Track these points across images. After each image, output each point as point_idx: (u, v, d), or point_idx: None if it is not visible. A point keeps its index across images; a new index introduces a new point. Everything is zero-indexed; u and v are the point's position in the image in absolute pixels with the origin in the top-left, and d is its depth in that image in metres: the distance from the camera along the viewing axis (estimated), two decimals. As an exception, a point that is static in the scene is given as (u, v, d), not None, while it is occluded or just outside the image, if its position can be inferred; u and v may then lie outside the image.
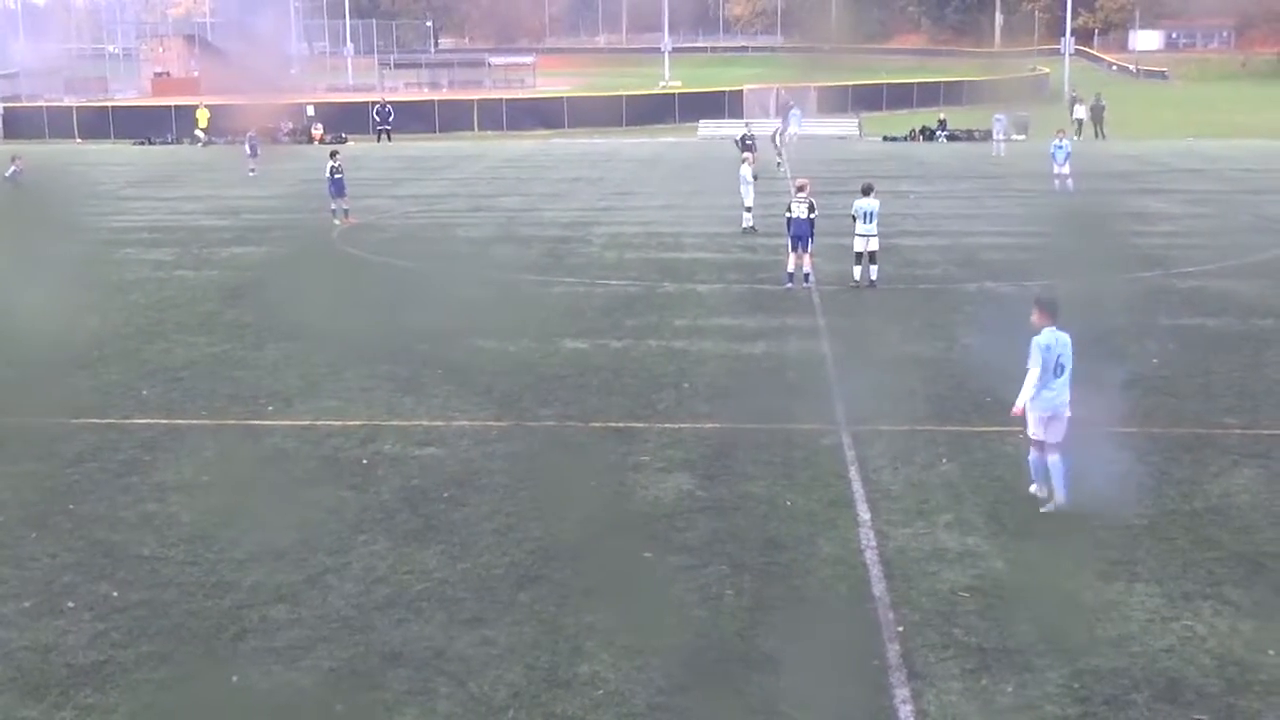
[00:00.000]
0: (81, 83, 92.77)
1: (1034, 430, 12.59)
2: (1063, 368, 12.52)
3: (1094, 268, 26.42)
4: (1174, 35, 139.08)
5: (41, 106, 79.63)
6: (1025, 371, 12.51)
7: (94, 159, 62.01)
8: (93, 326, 21.79)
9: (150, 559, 11.66)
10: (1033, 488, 12.87)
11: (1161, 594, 10.75)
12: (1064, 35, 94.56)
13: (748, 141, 43.95)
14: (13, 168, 41.44)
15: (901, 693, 9.15)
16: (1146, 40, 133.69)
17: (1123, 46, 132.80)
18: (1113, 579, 11.04)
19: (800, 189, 24.93)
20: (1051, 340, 12.47)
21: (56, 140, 71.82)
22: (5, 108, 76.81)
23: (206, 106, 68.77)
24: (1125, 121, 71.43)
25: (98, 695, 9.19)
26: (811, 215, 24.35)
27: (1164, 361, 18.82)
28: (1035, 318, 12.63)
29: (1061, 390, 12.49)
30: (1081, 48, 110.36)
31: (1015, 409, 12.67)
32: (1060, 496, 12.51)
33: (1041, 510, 12.59)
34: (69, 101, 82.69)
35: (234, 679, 9.48)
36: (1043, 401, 12.47)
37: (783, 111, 69.32)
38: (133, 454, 14.81)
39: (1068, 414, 12.54)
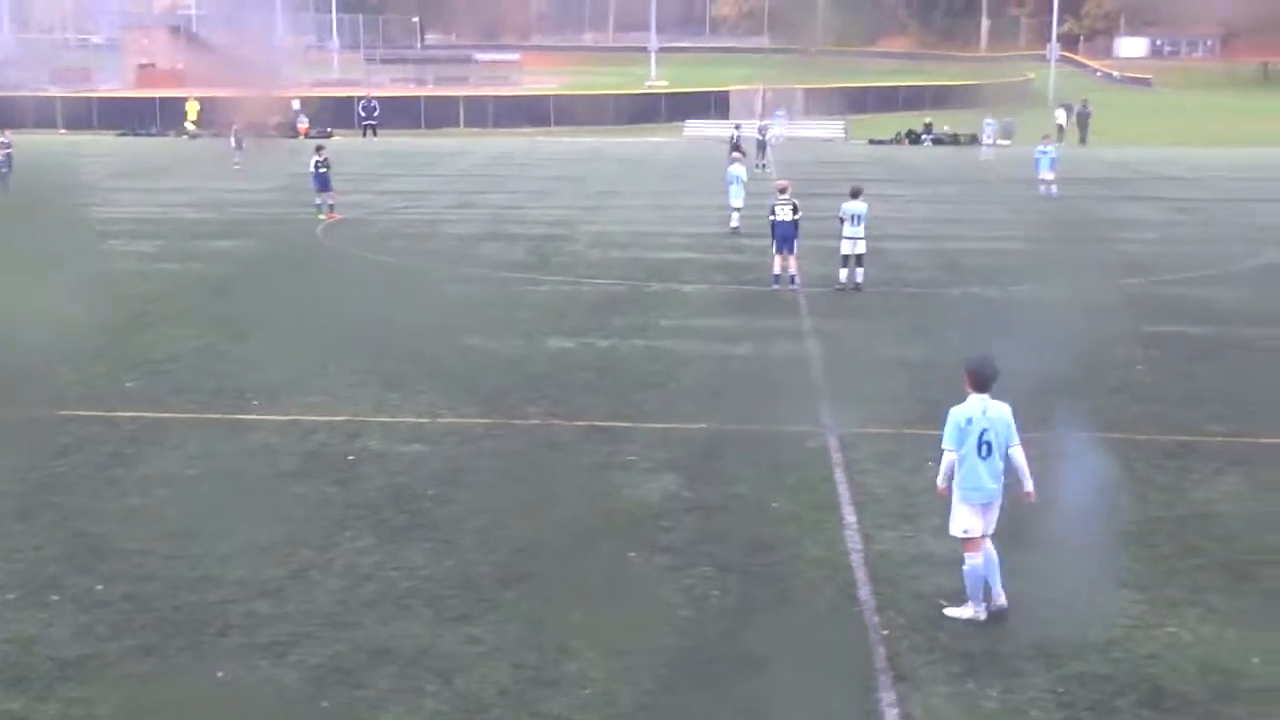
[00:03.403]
0: (65, 73, 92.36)
1: (966, 524, 10.19)
2: (989, 446, 10.07)
3: (1078, 273, 26.52)
4: (1159, 43, 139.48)
5: (25, 96, 79.14)
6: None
7: (77, 150, 61.69)
8: (77, 318, 21.65)
9: (135, 553, 11.60)
10: (969, 609, 10.29)
11: (1146, 600, 10.78)
12: (1050, 41, 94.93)
13: (735, 142, 44.12)
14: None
15: (887, 696, 9.16)
16: (1132, 47, 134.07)
17: (1108, 53, 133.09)
18: (1098, 585, 11.07)
19: (782, 190, 24.99)
20: (975, 413, 10.14)
21: (39, 130, 71.36)
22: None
23: (197, 99, 68.44)
24: (1109, 128, 71.67)
25: (82, 688, 9.16)
26: (796, 217, 24.41)
27: (1148, 368, 18.89)
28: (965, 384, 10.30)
29: (994, 477, 10.14)
30: (1067, 54, 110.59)
31: (939, 489, 10.49)
32: (999, 596, 10.35)
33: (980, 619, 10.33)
34: (53, 92, 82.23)
35: (219, 674, 9.45)
36: (976, 492, 10.15)
37: (768, 113, 69.44)
38: (117, 447, 14.76)
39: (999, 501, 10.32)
